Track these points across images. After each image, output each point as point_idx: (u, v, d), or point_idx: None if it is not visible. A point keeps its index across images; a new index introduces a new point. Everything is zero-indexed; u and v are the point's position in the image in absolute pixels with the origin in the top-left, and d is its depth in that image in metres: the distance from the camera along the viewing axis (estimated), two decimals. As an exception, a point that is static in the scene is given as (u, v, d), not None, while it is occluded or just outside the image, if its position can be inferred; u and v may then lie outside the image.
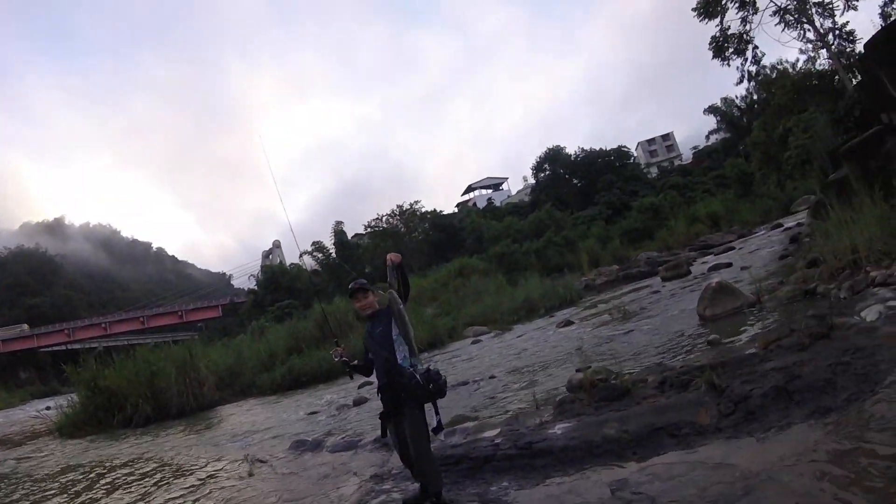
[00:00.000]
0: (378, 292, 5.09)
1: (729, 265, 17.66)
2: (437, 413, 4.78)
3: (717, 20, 25.95)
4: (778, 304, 9.03)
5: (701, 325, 9.88)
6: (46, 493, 9.10)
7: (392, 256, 4.77)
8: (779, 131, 25.74)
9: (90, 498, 8.37)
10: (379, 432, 5.18)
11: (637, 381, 6.25)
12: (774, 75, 28.80)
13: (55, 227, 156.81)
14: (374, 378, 5.11)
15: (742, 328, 8.57)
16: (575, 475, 4.77)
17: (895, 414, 3.83)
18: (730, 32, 26.12)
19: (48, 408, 20.57)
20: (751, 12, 25.46)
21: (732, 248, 24.60)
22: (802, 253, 12.27)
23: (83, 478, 9.93)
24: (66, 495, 8.75)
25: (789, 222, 27.01)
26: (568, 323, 16.48)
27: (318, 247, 67.45)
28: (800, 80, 25.49)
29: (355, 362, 5.13)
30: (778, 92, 26.25)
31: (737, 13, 25.69)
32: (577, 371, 8.12)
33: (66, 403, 18.02)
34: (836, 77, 24.42)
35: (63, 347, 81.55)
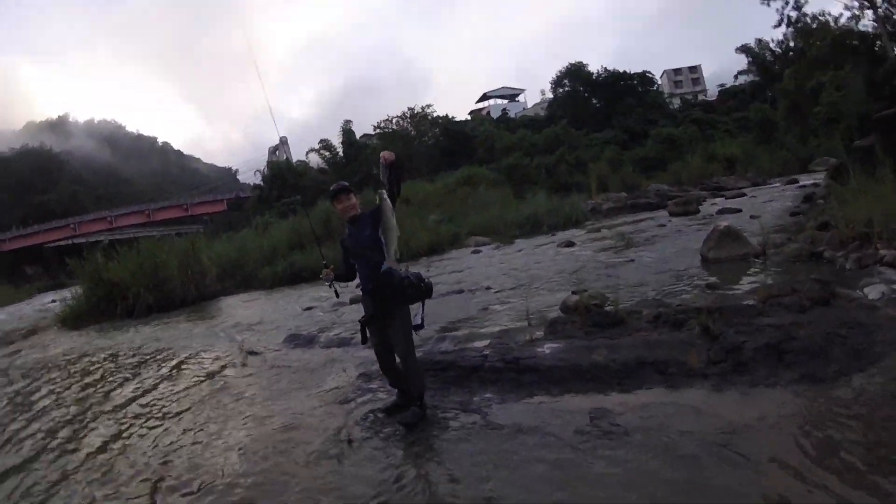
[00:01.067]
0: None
1: (739, 211, 17.51)
2: (423, 312, 4.81)
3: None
4: (782, 261, 8.98)
5: (703, 267, 9.85)
6: (34, 385, 9.23)
7: (386, 155, 4.64)
8: (811, 84, 25.00)
9: (83, 386, 8.53)
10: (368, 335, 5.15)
11: (632, 313, 6.29)
12: (815, 25, 27.80)
13: (59, 125, 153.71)
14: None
15: (743, 277, 8.55)
16: (558, 396, 4.86)
17: (881, 396, 3.85)
18: (776, -30, 25.10)
19: (53, 301, 20.77)
20: (803, -47, 24.43)
21: (744, 195, 24.35)
22: (815, 214, 12.12)
23: (77, 367, 10.09)
24: (55, 385, 8.90)
25: (805, 180, 26.67)
26: (570, 244, 16.47)
27: (326, 145, 66.45)
28: (840, 35, 24.60)
29: (337, 273, 5.17)
30: (816, 43, 25.41)
31: (788, -49, 24.64)
32: (573, 293, 8.16)
33: (70, 296, 18.19)
34: (879, 42, 23.62)
35: (69, 242, 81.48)
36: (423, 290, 4.71)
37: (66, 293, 18.81)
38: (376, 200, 4.58)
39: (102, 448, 5.65)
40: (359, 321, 5.00)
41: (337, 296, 5.40)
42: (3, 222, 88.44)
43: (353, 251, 4.93)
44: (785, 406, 3.96)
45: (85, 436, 6.06)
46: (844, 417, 3.70)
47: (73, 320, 16.86)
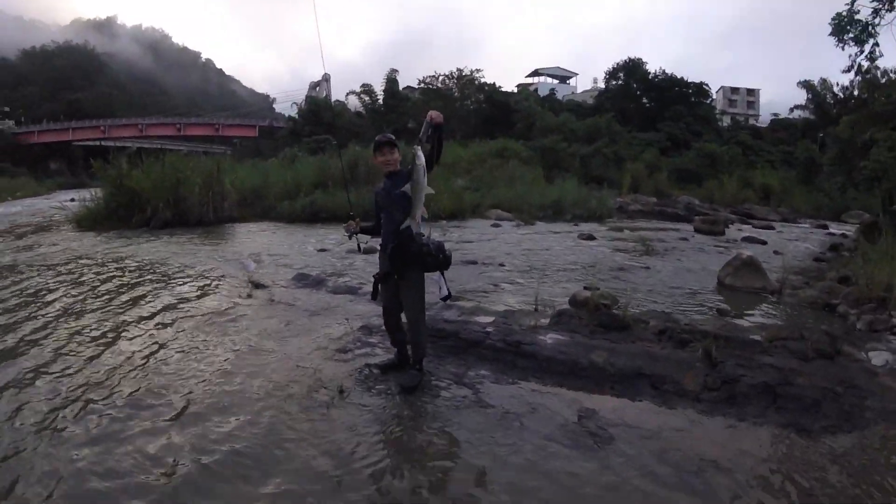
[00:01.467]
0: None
1: (764, 243, 17.41)
2: (445, 282, 4.82)
3: (850, -1, 24.31)
4: (796, 304, 8.96)
5: (717, 291, 9.87)
6: (43, 281, 9.31)
7: (434, 114, 4.54)
8: (864, 137, 24.57)
9: (88, 289, 8.64)
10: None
11: (639, 321, 6.36)
12: (884, 80, 27.25)
13: (106, 26, 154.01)
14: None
15: (755, 310, 8.56)
16: (551, 388, 4.91)
17: (860, 462, 3.88)
18: (857, 17, 24.54)
19: (72, 199, 20.84)
20: (885, 7, 23.84)
21: (772, 229, 24.15)
22: (838, 265, 12.05)
23: (87, 270, 10.22)
24: (64, 285, 8.99)
25: (836, 228, 26.44)
26: (590, 237, 16.49)
27: (367, 90, 65.84)
28: (907, 96, 24.13)
29: (363, 225, 5.13)
30: (880, 98, 24.92)
31: (871, 1, 24.03)
32: (585, 288, 8.21)
33: (89, 197, 18.31)
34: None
35: (97, 143, 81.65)
36: (440, 260, 4.73)
37: (87, 194, 18.92)
38: (410, 156, 4.50)
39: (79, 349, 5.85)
40: (373, 276, 5.05)
41: (359, 249, 5.42)
42: (35, 114, 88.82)
43: (382, 205, 4.92)
44: (767, 448, 4.00)
45: (70, 339, 6.20)
46: (821, 474, 3.73)
47: (89, 222, 17.12)
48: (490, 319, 6.43)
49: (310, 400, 4.56)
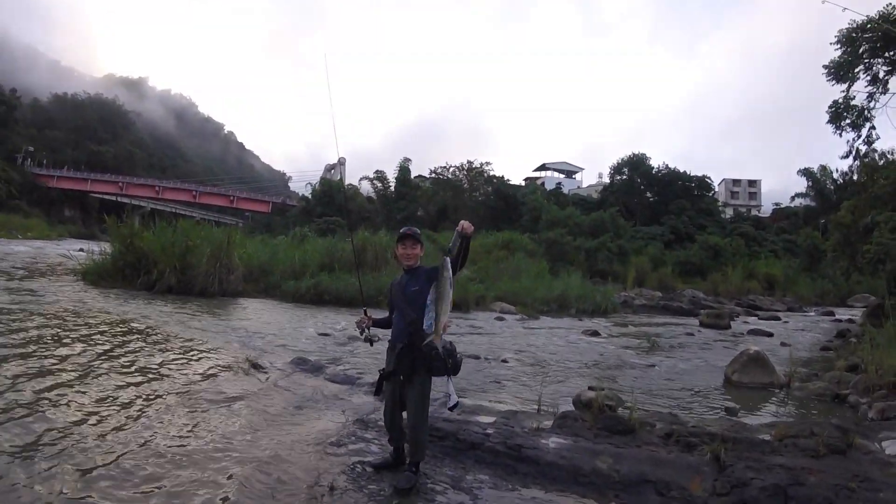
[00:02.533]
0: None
1: (770, 335, 17.30)
2: (454, 391, 4.66)
3: (845, 86, 24.92)
4: (805, 397, 8.82)
5: (724, 388, 9.71)
6: (37, 332, 9.18)
7: (466, 225, 4.48)
8: (865, 220, 24.72)
9: (83, 347, 8.50)
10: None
11: (644, 423, 6.17)
12: (882, 162, 27.64)
13: (136, 85, 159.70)
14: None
15: (763, 407, 8.42)
16: (553, 495, 4.73)
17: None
18: (852, 103, 25.09)
19: (81, 250, 21.17)
20: (879, 90, 24.40)
21: (778, 319, 24.08)
22: (846, 352, 11.93)
23: (83, 327, 10.08)
24: (56, 338, 8.88)
25: (842, 314, 26.35)
26: (595, 333, 16.39)
27: (380, 176, 67.41)
28: (904, 177, 24.44)
29: (376, 318, 5.09)
30: (879, 181, 25.23)
31: (865, 86, 24.62)
32: (589, 388, 8.08)
33: (98, 251, 18.55)
34: (945, 192, 23.41)
35: (113, 198, 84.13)
36: (448, 367, 4.62)
37: (95, 247, 19.12)
38: (439, 263, 4.46)
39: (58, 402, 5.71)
40: (378, 371, 4.93)
41: (371, 345, 5.31)
42: (57, 158, 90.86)
43: (395, 300, 4.85)
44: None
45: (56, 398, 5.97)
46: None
47: (94, 276, 17.25)
48: (491, 420, 6.26)
49: (297, 496, 4.34)
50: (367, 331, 5.07)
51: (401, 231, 4.89)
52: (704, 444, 5.39)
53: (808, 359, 12.84)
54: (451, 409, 4.76)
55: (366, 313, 5.07)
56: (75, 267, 18.55)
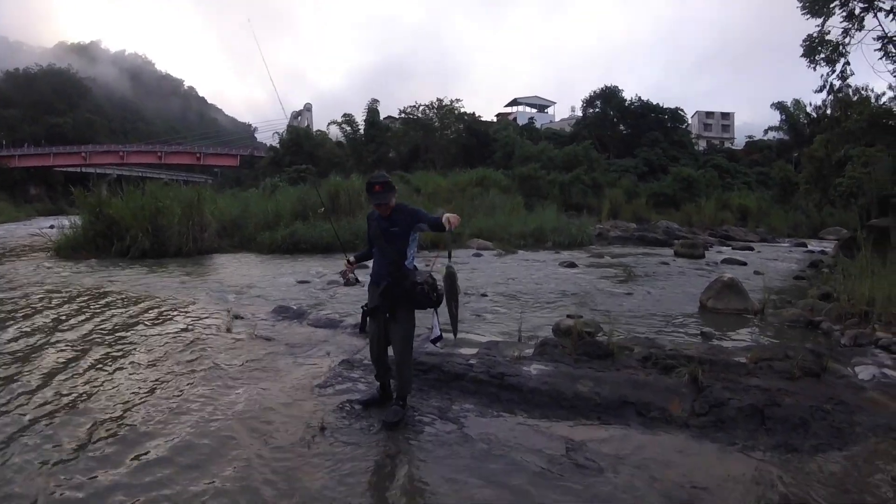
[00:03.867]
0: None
1: (744, 264, 17.52)
2: (438, 324, 4.71)
3: (820, 20, 24.80)
4: (779, 323, 8.99)
5: (699, 314, 9.89)
6: (15, 308, 9.12)
7: (454, 220, 4.33)
8: (838, 154, 24.93)
9: (66, 318, 8.46)
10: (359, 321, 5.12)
11: (623, 348, 6.28)
12: (856, 98, 27.73)
13: (89, 50, 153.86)
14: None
15: (739, 332, 8.58)
16: (537, 419, 4.83)
17: (853, 477, 3.84)
18: (827, 38, 25.03)
19: (51, 226, 20.71)
20: (855, 27, 24.33)
21: (752, 249, 24.35)
22: (819, 282, 12.13)
23: (62, 299, 9.94)
24: (41, 313, 8.82)
25: (814, 245, 26.74)
26: (571, 265, 16.53)
27: (348, 120, 65.96)
28: (878, 113, 24.52)
29: (357, 255, 5.15)
30: (853, 116, 25.38)
31: (841, 21, 24.55)
32: (568, 317, 8.20)
33: (68, 224, 18.20)
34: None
35: (77, 170, 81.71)
36: (432, 300, 4.64)
37: (66, 221, 18.68)
38: (442, 270, 4.52)
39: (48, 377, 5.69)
40: (361, 308, 4.94)
41: (358, 283, 5.27)
42: (16, 136, 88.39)
43: (374, 237, 4.80)
44: (758, 472, 3.93)
45: (35, 365, 6.06)
46: (815, 493, 3.67)
47: (67, 250, 16.90)
48: (473, 351, 6.33)
49: (290, 436, 4.41)
50: (351, 275, 5.09)
51: (369, 181, 4.70)
52: (682, 366, 5.51)
53: (781, 287, 13.04)
54: (433, 341, 4.80)
55: (349, 261, 5.09)
56: (47, 243, 18.26)
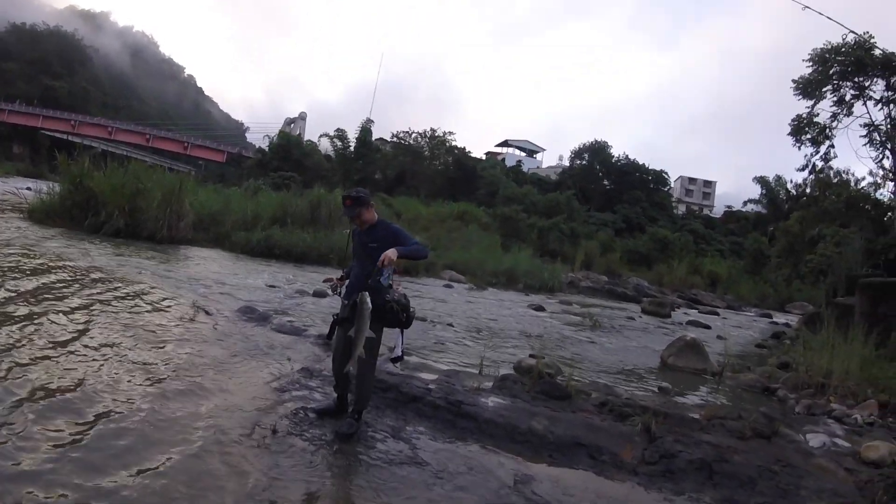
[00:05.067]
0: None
1: (708, 328, 17.74)
2: (402, 343, 4.76)
3: (811, 103, 25.51)
4: (736, 386, 9.10)
5: (659, 370, 9.97)
6: None
7: (388, 256, 4.43)
8: (812, 232, 25.52)
9: (24, 285, 8.14)
10: (326, 331, 5.14)
11: (581, 391, 6.36)
12: (836, 180, 28.44)
13: (98, 19, 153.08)
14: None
15: (695, 390, 8.67)
16: (488, 450, 4.84)
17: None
18: (816, 120, 25.70)
19: (28, 188, 20.42)
20: (844, 112, 25.05)
21: (717, 314, 24.66)
22: (779, 352, 12.36)
23: (25, 265, 9.67)
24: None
25: (779, 318, 27.09)
26: (540, 308, 16.64)
27: (340, 135, 66.03)
28: (857, 197, 25.21)
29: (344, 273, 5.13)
30: (831, 197, 26.02)
31: (831, 106, 25.25)
32: (531, 356, 8.21)
33: (46, 190, 17.93)
34: (890, 213, 24.25)
35: (64, 136, 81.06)
36: (401, 320, 4.68)
37: (44, 186, 18.39)
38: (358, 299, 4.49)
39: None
40: (332, 316, 4.97)
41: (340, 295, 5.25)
42: (9, 91, 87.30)
43: (356, 250, 4.88)
44: (701, 525, 3.98)
45: None
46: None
47: (41, 215, 16.62)
48: (433, 377, 6.36)
49: (240, 436, 4.35)
50: (340, 289, 5.07)
51: (344, 196, 4.82)
52: (637, 415, 5.58)
53: (742, 353, 13.21)
54: (394, 360, 4.86)
55: (341, 279, 5.08)
56: (21, 204, 17.96)
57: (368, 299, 4.40)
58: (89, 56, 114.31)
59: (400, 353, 4.77)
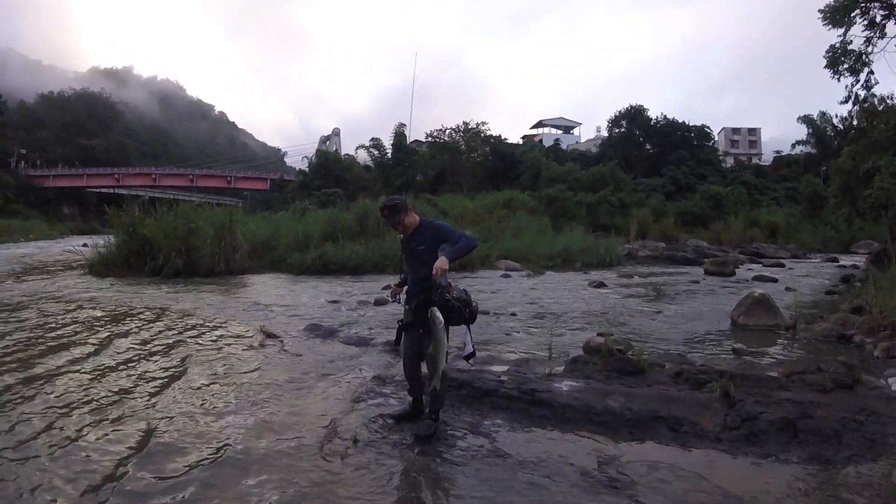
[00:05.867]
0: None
1: (775, 281, 17.39)
2: (470, 340, 4.77)
3: (842, 30, 24.65)
4: (811, 338, 8.91)
5: (730, 331, 9.84)
6: (58, 325, 9.35)
7: (439, 267, 4.49)
8: (866, 166, 24.65)
9: (102, 334, 8.63)
10: (392, 338, 5.27)
11: (653, 364, 6.29)
12: (881, 107, 27.46)
13: (122, 75, 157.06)
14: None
15: (770, 347, 8.53)
16: (568, 435, 4.85)
17: (888, 487, 3.82)
18: (850, 48, 24.84)
19: (84, 245, 21.09)
20: (877, 35, 24.15)
21: (782, 266, 24.18)
22: (850, 296, 12.02)
23: (99, 315, 10.20)
24: (75, 329, 9.01)
25: (845, 260, 26.45)
26: (601, 285, 16.53)
27: (376, 144, 66.56)
28: (905, 122, 24.30)
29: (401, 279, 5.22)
30: (879, 126, 25.09)
31: (863, 31, 24.37)
32: (598, 335, 8.19)
33: (102, 243, 18.53)
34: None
35: (110, 190, 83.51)
36: (465, 317, 4.72)
37: (99, 240, 19.01)
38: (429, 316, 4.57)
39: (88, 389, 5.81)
40: (398, 322, 5.07)
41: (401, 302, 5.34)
42: (49, 157, 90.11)
43: (407, 257, 4.97)
44: (793, 484, 3.92)
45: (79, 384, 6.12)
46: (849, 502, 3.67)
47: (100, 268, 17.19)
48: (504, 368, 6.37)
49: (324, 451, 4.47)
50: (399, 295, 5.16)
51: (383, 206, 4.90)
52: (713, 381, 5.49)
53: (812, 302, 12.95)
54: (466, 358, 4.86)
55: (397, 285, 5.20)
56: (81, 261, 18.55)
57: (439, 314, 4.48)
58: (120, 111, 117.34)
59: (471, 350, 4.78)
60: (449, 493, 3.91)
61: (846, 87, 25.66)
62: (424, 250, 4.68)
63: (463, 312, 4.68)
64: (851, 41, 24.70)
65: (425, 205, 32.55)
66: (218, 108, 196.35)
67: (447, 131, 65.04)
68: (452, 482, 4.04)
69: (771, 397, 5.19)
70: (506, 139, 68.67)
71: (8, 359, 7.02)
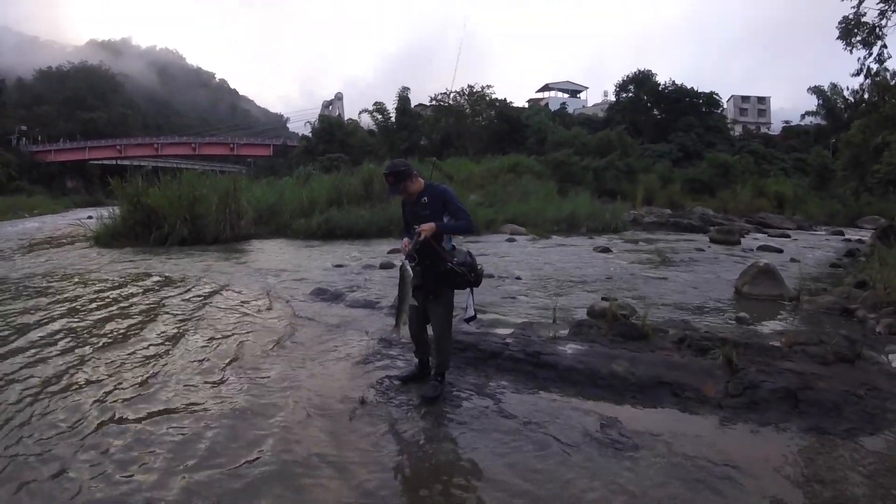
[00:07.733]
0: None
1: (780, 251, 17.40)
2: (473, 303, 4.82)
3: (855, 2, 24.22)
4: (814, 310, 8.94)
5: (734, 300, 9.88)
6: (69, 294, 9.46)
7: (425, 229, 4.53)
8: (876, 140, 24.42)
9: (113, 303, 8.64)
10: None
11: (657, 330, 6.35)
12: (893, 82, 27.13)
13: (120, 46, 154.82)
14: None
15: (773, 318, 8.57)
16: (572, 397, 4.93)
17: (885, 461, 3.88)
18: (863, 20, 24.41)
19: (90, 217, 20.96)
20: (891, 8, 23.73)
21: (788, 237, 24.17)
22: (855, 270, 12.03)
23: (108, 284, 10.15)
24: (87, 297, 9.06)
25: (851, 234, 26.39)
26: (606, 250, 16.56)
27: (379, 108, 65.73)
28: (917, 98, 24.00)
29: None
30: (891, 101, 24.79)
31: (877, 3, 23.92)
32: (603, 299, 8.26)
33: (106, 215, 18.41)
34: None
35: (113, 162, 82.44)
36: (470, 280, 4.74)
37: (104, 211, 18.88)
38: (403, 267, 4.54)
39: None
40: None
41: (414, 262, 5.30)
42: (51, 132, 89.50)
43: (411, 221, 4.88)
44: (791, 452, 3.99)
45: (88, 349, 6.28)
46: (846, 474, 3.74)
47: (107, 239, 17.14)
48: (509, 331, 6.42)
49: (331, 409, 4.58)
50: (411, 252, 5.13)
51: (386, 172, 4.87)
52: (717, 348, 5.55)
53: (817, 274, 12.97)
54: (467, 321, 4.92)
55: (413, 258, 4.91)
56: (86, 233, 18.49)
57: (409, 267, 4.48)
58: (119, 82, 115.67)
59: (473, 313, 4.84)
60: (455, 451, 4.00)
61: (858, 59, 25.25)
62: (430, 214, 4.67)
63: (468, 276, 4.71)
64: (865, 13, 24.27)
65: (429, 169, 32.26)
66: (219, 76, 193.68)
67: (452, 94, 64.37)
68: (458, 441, 4.13)
69: (773, 367, 5.24)
70: (511, 103, 67.93)
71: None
